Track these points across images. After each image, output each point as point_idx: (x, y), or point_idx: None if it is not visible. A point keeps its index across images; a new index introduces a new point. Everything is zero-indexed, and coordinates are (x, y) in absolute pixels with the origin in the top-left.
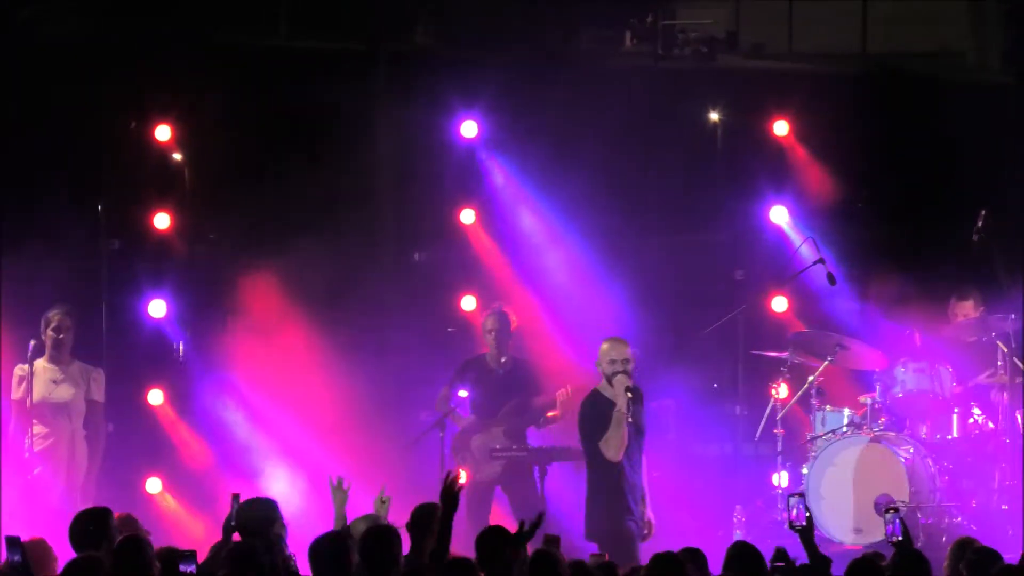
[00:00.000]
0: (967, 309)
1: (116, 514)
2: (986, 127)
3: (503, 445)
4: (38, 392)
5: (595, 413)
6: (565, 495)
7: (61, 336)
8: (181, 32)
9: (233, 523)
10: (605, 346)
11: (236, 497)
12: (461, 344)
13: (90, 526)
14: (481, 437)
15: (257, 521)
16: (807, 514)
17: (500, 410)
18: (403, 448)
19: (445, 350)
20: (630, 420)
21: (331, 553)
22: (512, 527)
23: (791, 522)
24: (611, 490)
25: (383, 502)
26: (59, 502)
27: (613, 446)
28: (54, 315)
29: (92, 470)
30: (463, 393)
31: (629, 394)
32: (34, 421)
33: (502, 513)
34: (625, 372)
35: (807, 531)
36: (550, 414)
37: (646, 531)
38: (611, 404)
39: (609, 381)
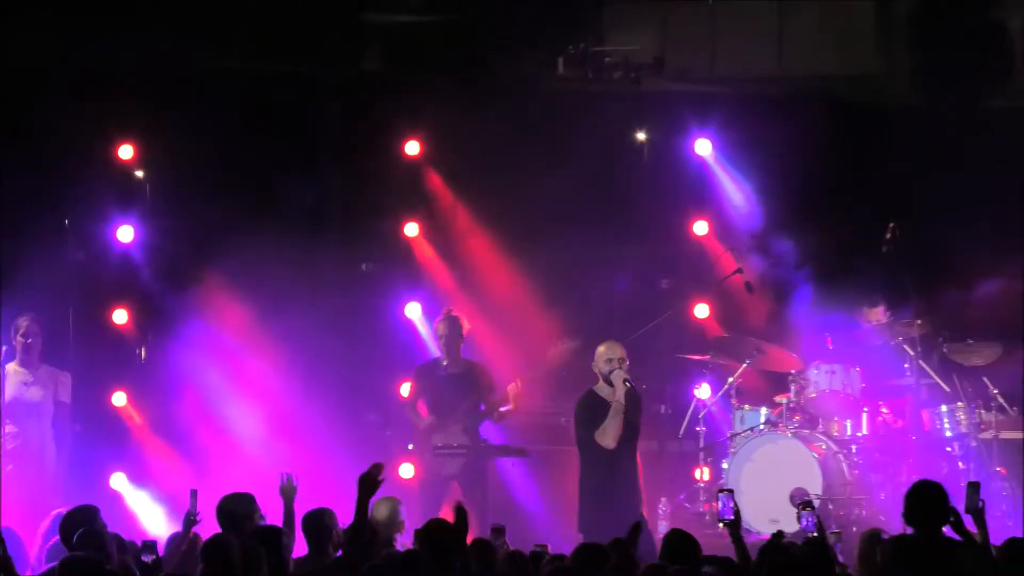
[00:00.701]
0: (878, 314)
1: None
2: (896, 145)
3: (459, 442)
4: (9, 393)
5: (590, 407)
6: (539, 490)
7: (30, 341)
8: (142, 56)
9: (193, 517)
10: (602, 348)
11: (194, 493)
12: (407, 348)
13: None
14: (440, 436)
15: (236, 515)
16: (734, 509)
17: (456, 409)
18: (355, 446)
19: (391, 353)
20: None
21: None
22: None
23: (719, 517)
24: (603, 482)
25: (291, 489)
26: (31, 495)
27: (610, 434)
28: (23, 322)
29: (59, 466)
30: (406, 390)
31: (627, 384)
32: (6, 421)
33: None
34: (621, 369)
35: (734, 525)
36: (503, 408)
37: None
38: (606, 402)
39: (606, 380)
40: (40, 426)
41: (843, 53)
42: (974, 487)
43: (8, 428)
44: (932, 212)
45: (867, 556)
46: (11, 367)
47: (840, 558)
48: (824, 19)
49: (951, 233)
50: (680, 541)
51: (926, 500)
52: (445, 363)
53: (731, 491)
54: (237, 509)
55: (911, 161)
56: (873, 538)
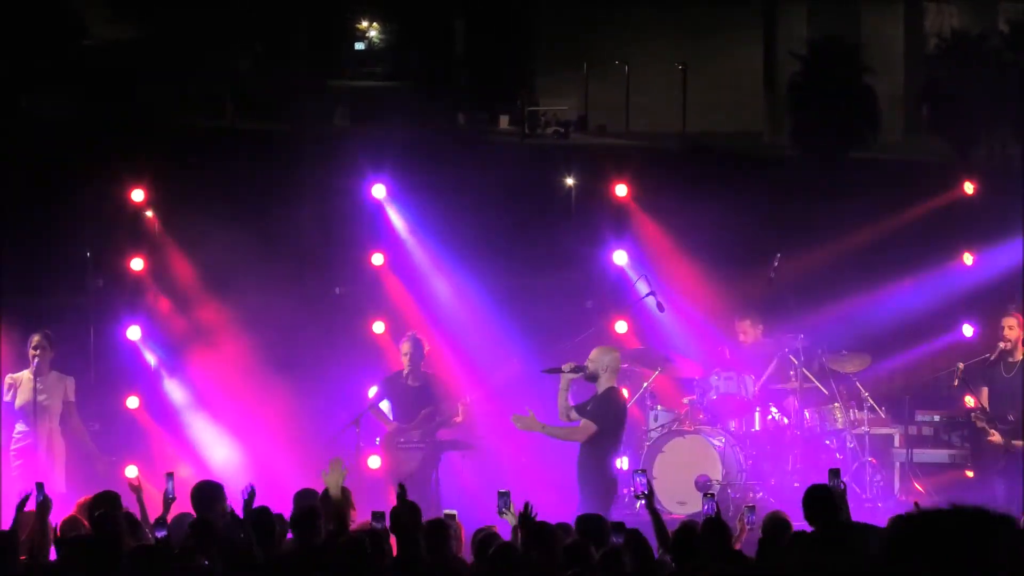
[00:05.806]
0: (745, 326)
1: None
2: (777, 190)
3: (412, 440)
4: (23, 398)
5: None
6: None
7: (40, 352)
8: (149, 115)
9: (171, 496)
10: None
11: (170, 475)
12: (373, 360)
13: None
14: (404, 438)
15: (207, 500)
16: (647, 484)
17: (416, 416)
18: (326, 440)
19: (360, 364)
20: None
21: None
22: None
23: (635, 492)
24: None
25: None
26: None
27: None
28: (35, 337)
29: (72, 457)
30: (372, 392)
31: None
32: (18, 421)
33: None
34: None
35: (649, 497)
36: (456, 419)
37: None
38: None
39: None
40: (49, 424)
41: (735, 114)
42: (834, 472)
43: (18, 427)
44: (808, 245)
45: (769, 533)
46: (25, 375)
47: (750, 528)
48: (719, 85)
49: (823, 262)
50: (589, 520)
51: (816, 501)
52: (408, 376)
53: (644, 471)
54: (206, 497)
55: (789, 203)
56: (775, 519)
